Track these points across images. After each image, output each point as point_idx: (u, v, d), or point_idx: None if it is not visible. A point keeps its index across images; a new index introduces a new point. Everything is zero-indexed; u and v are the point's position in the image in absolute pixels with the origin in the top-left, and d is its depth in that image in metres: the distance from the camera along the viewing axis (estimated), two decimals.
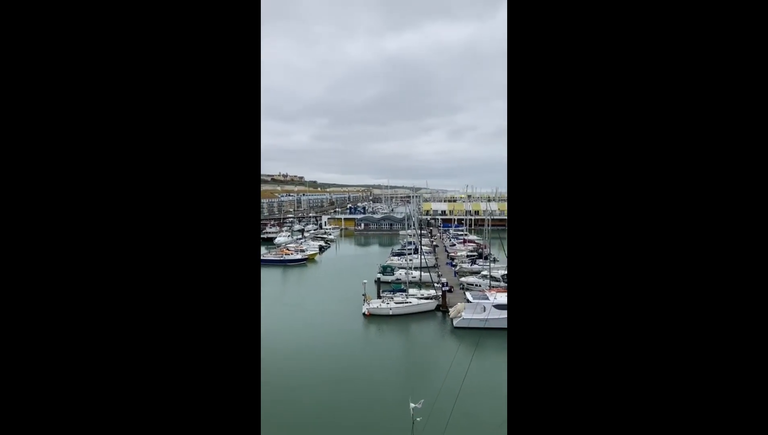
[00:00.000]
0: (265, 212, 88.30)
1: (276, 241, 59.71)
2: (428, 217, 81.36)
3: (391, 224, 78.86)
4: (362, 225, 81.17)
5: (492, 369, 19.80)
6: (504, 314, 25.40)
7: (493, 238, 46.42)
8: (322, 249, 57.13)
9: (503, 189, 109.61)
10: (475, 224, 72.20)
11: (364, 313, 28.75)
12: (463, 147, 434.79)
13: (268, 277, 40.21)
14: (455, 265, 43.03)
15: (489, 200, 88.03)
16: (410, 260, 38.89)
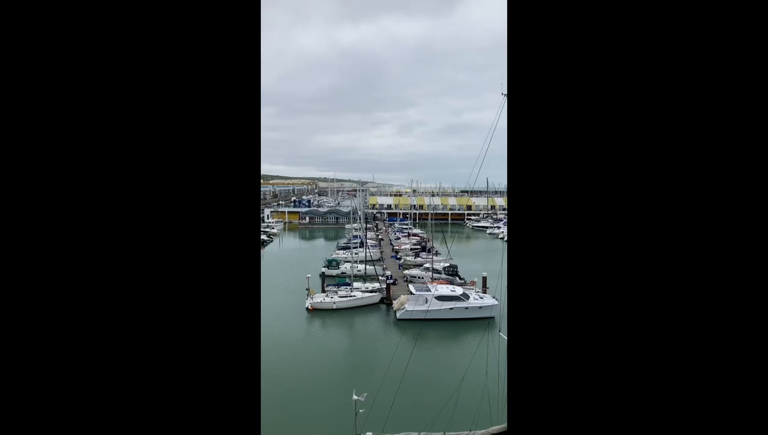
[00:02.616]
0: None
1: None
2: (374, 211, 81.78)
3: (337, 218, 78.37)
4: (307, 218, 79.97)
5: (432, 358, 20.41)
6: (445, 305, 26.24)
7: (436, 231, 47.64)
8: (264, 243, 55.65)
9: (446, 184, 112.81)
10: (419, 218, 73.60)
11: (307, 308, 28.45)
12: (412, 142, 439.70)
13: None
14: (400, 258, 43.70)
15: (433, 195, 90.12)
16: (356, 254, 38.95)
